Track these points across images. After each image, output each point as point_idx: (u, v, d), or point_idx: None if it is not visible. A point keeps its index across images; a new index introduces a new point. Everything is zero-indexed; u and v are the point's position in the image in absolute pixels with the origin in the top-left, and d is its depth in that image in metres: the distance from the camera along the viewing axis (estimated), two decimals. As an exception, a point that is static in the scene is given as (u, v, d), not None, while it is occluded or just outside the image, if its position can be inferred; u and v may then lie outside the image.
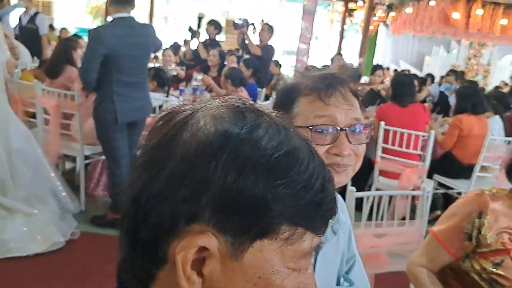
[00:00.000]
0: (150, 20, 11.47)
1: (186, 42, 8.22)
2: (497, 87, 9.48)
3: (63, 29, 9.54)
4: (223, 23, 12.26)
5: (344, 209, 1.15)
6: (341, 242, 1.09)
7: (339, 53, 6.65)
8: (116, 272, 0.53)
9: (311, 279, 0.53)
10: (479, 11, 10.38)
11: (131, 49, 3.03)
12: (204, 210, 0.45)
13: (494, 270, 1.27)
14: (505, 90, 8.34)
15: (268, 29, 5.93)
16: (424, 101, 6.38)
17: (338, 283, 1.07)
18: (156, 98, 3.71)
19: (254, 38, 6.03)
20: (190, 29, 6.03)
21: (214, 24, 6.04)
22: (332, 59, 6.47)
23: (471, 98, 3.98)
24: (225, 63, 5.46)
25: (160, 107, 3.73)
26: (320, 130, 0.92)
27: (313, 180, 0.48)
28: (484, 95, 4.95)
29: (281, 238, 0.47)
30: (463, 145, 3.90)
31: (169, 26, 16.48)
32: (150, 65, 6.42)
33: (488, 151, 3.67)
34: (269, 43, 5.99)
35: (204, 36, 6.11)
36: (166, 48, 5.69)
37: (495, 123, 4.22)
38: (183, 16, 15.74)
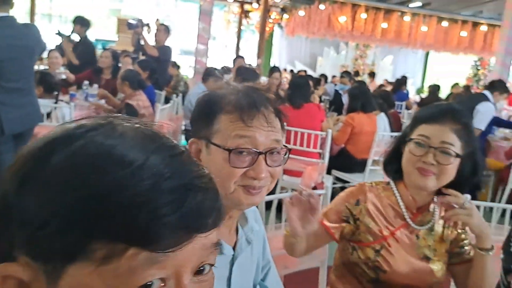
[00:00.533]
0: (31, 18, 10.50)
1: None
2: (381, 85, 10.35)
3: None
4: (114, 22, 11.68)
5: (257, 217, 1.13)
6: (256, 251, 1.08)
7: (240, 56, 6.68)
8: None
9: None
10: (363, 15, 11.27)
11: (13, 52, 2.71)
12: (14, 237, 0.42)
13: (376, 258, 1.35)
14: (388, 88, 9.11)
15: (164, 30, 5.75)
16: (320, 99, 6.71)
17: None
18: (44, 105, 3.35)
19: (149, 38, 5.81)
20: (59, 33, 5.50)
21: (80, 22, 5.58)
22: (233, 61, 6.49)
23: (360, 97, 4.29)
24: (120, 64, 5.16)
25: (49, 114, 3.39)
26: (239, 152, 0.88)
27: (130, 186, 0.41)
28: (372, 94, 5.35)
29: (95, 257, 0.40)
30: (355, 141, 4.17)
31: (54, 25, 15.22)
32: (36, 68, 5.86)
33: (378, 146, 3.96)
34: (166, 43, 5.81)
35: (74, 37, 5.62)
36: (52, 50, 5.19)
37: (381, 120, 4.57)
38: (69, 14, 14.65)
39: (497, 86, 5.01)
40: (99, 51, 6.94)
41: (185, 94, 6.03)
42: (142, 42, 5.68)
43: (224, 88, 0.96)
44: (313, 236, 1.31)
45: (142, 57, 5.66)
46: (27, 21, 9.26)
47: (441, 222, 1.42)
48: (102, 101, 4.38)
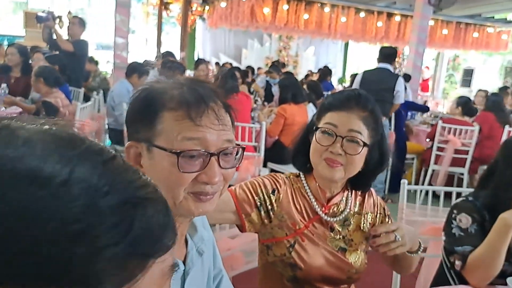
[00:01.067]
0: None
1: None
2: (307, 75, 10.52)
3: None
4: (21, 16, 10.73)
5: (205, 222, 1.04)
6: (207, 261, 1.00)
7: (167, 51, 6.39)
8: None
9: None
10: (285, 7, 11.37)
11: None
12: None
13: (290, 254, 1.29)
14: (314, 78, 9.28)
15: (78, 23, 5.33)
16: (250, 92, 6.64)
17: None
18: None
19: (62, 32, 5.34)
20: None
21: None
22: (158, 57, 6.22)
23: (291, 88, 4.33)
24: (30, 61, 4.69)
25: None
26: (190, 156, 0.78)
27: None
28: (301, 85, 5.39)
29: None
30: (288, 132, 4.17)
31: None
32: None
33: (310, 136, 3.96)
34: (82, 37, 5.38)
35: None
36: None
37: (311, 110, 4.62)
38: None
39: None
40: (4, 47, 6.29)
41: (106, 91, 5.67)
42: (54, 37, 5.21)
43: (163, 82, 0.83)
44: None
45: (55, 53, 5.20)
46: None
47: (356, 208, 1.39)
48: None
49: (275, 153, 4.17)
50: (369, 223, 1.40)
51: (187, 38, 10.28)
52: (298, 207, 1.33)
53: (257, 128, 3.71)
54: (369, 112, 1.26)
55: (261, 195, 1.29)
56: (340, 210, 1.35)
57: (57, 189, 0.31)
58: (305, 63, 15.65)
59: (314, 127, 1.29)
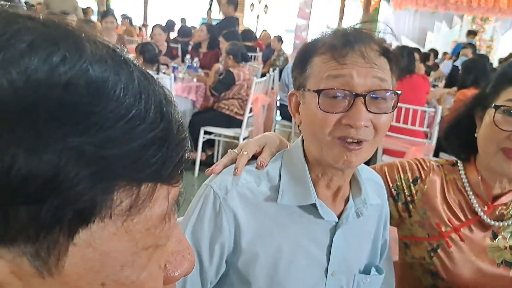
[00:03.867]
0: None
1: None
2: (501, 62, 9.21)
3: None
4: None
5: (381, 192, 1.01)
6: (370, 226, 0.97)
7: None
8: None
9: (182, 242, 0.40)
10: (484, -16, 10.07)
11: None
12: None
13: (430, 259, 1.07)
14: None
15: (227, 2, 5.62)
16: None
17: (368, 272, 0.95)
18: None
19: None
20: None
21: None
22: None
23: (474, 71, 3.83)
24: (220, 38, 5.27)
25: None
26: (333, 95, 0.76)
27: (142, 109, 0.30)
28: (492, 69, 4.75)
29: (119, 210, 0.30)
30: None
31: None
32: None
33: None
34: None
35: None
36: (155, 25, 5.52)
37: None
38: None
39: None
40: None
41: (283, 69, 5.97)
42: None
43: (323, 34, 0.85)
44: None
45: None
46: None
47: None
48: (202, 73, 4.48)
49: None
50: None
51: (369, 19, 10.00)
52: (450, 203, 1.08)
53: (431, 112, 3.45)
54: None
55: (398, 182, 1.10)
56: (510, 213, 1.07)
57: (132, 95, 0.30)
58: (502, 49, 13.68)
59: (489, 104, 1.00)
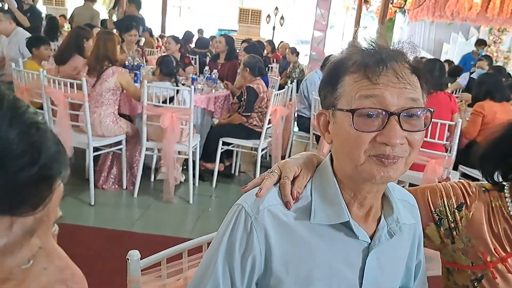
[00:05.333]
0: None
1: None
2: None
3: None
4: (236, 13, 12.02)
5: (414, 211, 0.99)
6: (404, 247, 0.95)
7: (354, 38, 6.40)
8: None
9: (65, 271, 0.39)
10: (501, -5, 10.00)
11: None
12: None
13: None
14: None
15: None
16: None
17: None
18: (166, 88, 3.54)
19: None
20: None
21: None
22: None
23: (487, 85, 3.86)
24: (238, 50, 5.33)
25: (172, 98, 3.58)
26: (366, 114, 0.77)
27: None
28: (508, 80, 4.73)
29: None
30: (487, 132, 3.69)
31: None
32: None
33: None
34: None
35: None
36: (169, 36, 5.66)
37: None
38: None
39: None
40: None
41: (299, 81, 6.00)
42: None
43: (349, 50, 0.85)
44: None
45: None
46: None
47: None
48: (221, 85, 4.54)
49: (469, 155, 3.78)
50: None
51: (384, 30, 10.00)
52: (496, 232, 1.03)
53: (451, 125, 3.43)
54: None
55: (441, 207, 1.07)
56: None
57: None
58: (521, 60, 13.52)
59: None
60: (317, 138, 4.08)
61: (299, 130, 4.81)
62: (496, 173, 1.06)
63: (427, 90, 0.82)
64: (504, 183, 1.06)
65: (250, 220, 0.82)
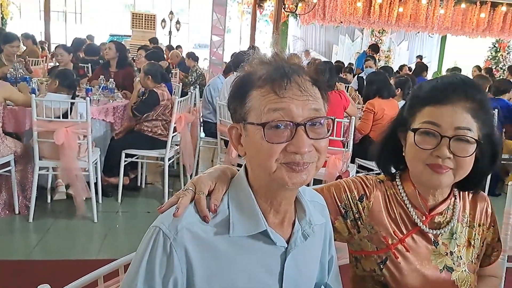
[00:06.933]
0: None
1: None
2: (397, 71, 10.05)
3: None
4: (128, 17, 11.64)
5: (324, 211, 1.05)
6: (317, 246, 1.00)
7: (252, 46, 6.57)
8: None
9: None
10: (379, 0, 11.00)
11: None
12: None
13: (380, 271, 1.12)
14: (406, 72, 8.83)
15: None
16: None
17: None
18: (63, 101, 3.27)
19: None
20: None
21: None
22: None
23: (376, 83, 4.22)
24: (134, 57, 5.13)
25: (69, 112, 3.32)
26: (275, 126, 0.81)
27: None
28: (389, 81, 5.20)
29: None
30: (378, 127, 4.06)
31: None
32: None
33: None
34: None
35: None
36: (58, 46, 5.25)
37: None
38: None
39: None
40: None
41: (201, 86, 5.97)
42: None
43: (255, 64, 0.88)
44: None
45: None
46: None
47: (465, 219, 1.18)
48: (119, 94, 4.33)
49: (363, 149, 4.09)
50: (480, 236, 1.19)
51: (279, 35, 10.39)
52: (393, 216, 1.14)
53: (346, 123, 3.68)
54: (477, 102, 1.02)
55: (346, 201, 1.15)
56: (446, 220, 1.15)
57: None
58: (398, 58, 15.00)
59: (408, 127, 1.07)
60: (226, 142, 4.10)
61: (206, 136, 4.79)
62: (389, 166, 1.19)
63: (327, 98, 0.88)
64: (396, 173, 1.19)
65: (169, 242, 0.81)
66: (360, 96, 5.47)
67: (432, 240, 1.13)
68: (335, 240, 1.12)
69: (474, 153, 1.03)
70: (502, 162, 4.83)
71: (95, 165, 3.56)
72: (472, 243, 1.17)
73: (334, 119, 0.87)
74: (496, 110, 4.84)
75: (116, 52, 4.84)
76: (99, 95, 4.23)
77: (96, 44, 7.77)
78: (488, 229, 1.21)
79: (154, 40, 8.92)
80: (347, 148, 3.69)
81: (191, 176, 4.23)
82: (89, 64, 5.92)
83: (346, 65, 10.39)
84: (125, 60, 5.02)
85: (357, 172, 4.22)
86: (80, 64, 5.58)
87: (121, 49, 4.96)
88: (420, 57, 9.71)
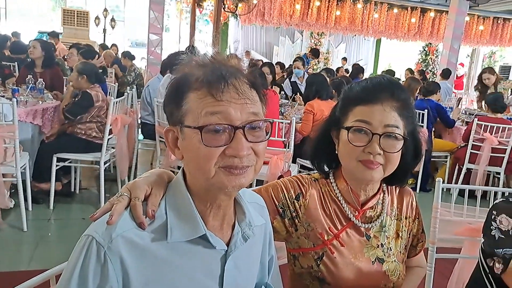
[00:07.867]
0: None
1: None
2: (335, 72, 10.36)
3: None
4: (59, 14, 11.07)
5: (264, 212, 1.05)
6: (257, 247, 1.00)
7: (191, 46, 6.48)
8: None
9: None
10: (317, 3, 11.30)
11: None
12: None
13: (317, 267, 1.16)
14: (343, 74, 9.14)
15: None
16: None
17: None
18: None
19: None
20: None
21: None
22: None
23: (315, 85, 4.32)
24: (66, 56, 4.87)
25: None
26: (213, 130, 0.79)
27: None
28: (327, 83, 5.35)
29: None
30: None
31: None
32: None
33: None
34: None
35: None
36: None
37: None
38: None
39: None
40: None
41: (139, 86, 5.79)
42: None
43: (191, 66, 0.86)
44: None
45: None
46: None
47: (393, 212, 1.25)
48: (49, 95, 4.09)
49: (304, 149, 4.18)
50: (406, 228, 1.27)
51: (220, 35, 10.35)
52: (328, 213, 1.19)
53: (287, 124, 3.72)
54: (402, 102, 1.11)
55: (283, 200, 1.18)
56: (377, 214, 1.21)
57: None
58: (336, 60, 15.50)
59: (341, 125, 1.14)
60: (165, 145, 3.99)
61: (144, 138, 4.63)
62: (323, 164, 1.24)
63: (265, 101, 0.88)
64: (329, 171, 1.24)
65: (103, 250, 0.76)
66: (301, 98, 5.54)
67: (364, 233, 1.19)
68: (274, 239, 1.13)
69: (401, 149, 1.11)
70: (431, 159, 5.15)
71: (23, 170, 3.32)
72: (400, 235, 1.24)
73: (273, 121, 0.87)
74: (426, 110, 5.19)
75: (41, 51, 4.55)
76: (27, 95, 3.96)
77: (23, 41, 7.26)
78: (413, 221, 1.29)
79: (53, 34, 8.56)
80: (288, 148, 3.74)
81: (127, 180, 4.08)
82: (16, 63, 5.52)
83: (287, 66, 10.58)
84: (52, 59, 4.74)
85: (299, 172, 4.29)
86: (3, 63, 5.19)
87: (47, 47, 4.67)
88: (357, 64, 10.04)
